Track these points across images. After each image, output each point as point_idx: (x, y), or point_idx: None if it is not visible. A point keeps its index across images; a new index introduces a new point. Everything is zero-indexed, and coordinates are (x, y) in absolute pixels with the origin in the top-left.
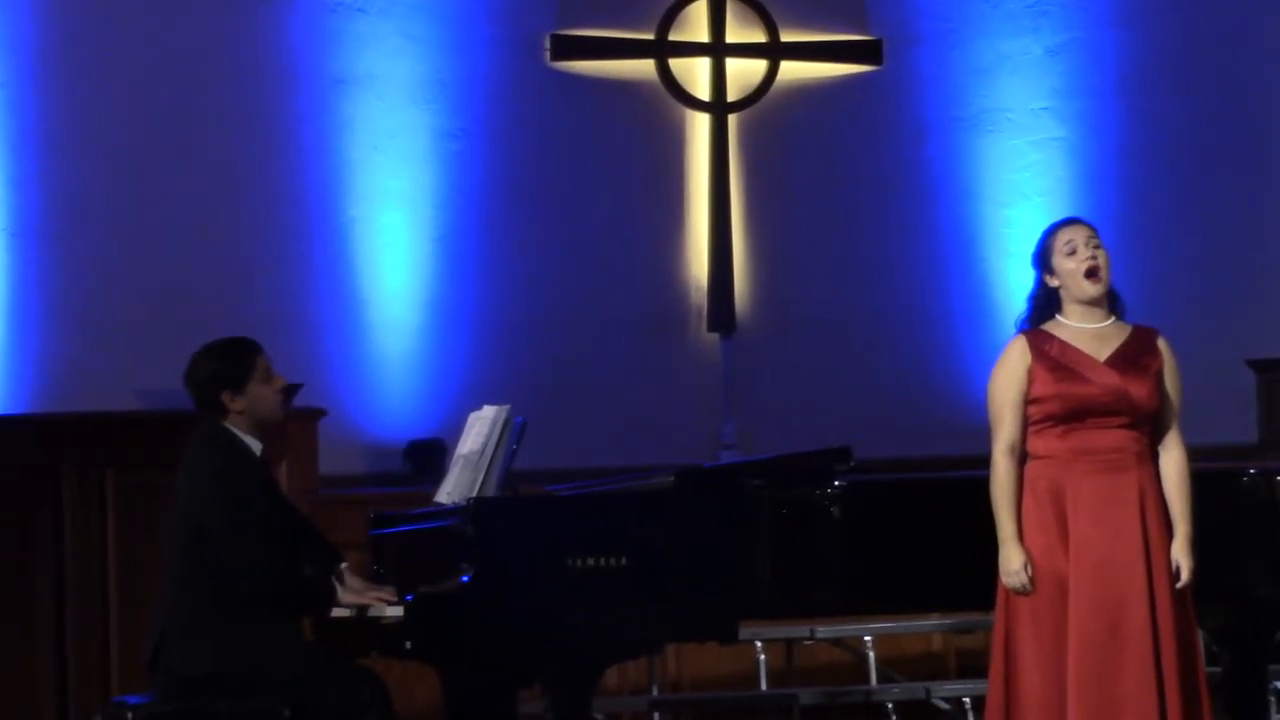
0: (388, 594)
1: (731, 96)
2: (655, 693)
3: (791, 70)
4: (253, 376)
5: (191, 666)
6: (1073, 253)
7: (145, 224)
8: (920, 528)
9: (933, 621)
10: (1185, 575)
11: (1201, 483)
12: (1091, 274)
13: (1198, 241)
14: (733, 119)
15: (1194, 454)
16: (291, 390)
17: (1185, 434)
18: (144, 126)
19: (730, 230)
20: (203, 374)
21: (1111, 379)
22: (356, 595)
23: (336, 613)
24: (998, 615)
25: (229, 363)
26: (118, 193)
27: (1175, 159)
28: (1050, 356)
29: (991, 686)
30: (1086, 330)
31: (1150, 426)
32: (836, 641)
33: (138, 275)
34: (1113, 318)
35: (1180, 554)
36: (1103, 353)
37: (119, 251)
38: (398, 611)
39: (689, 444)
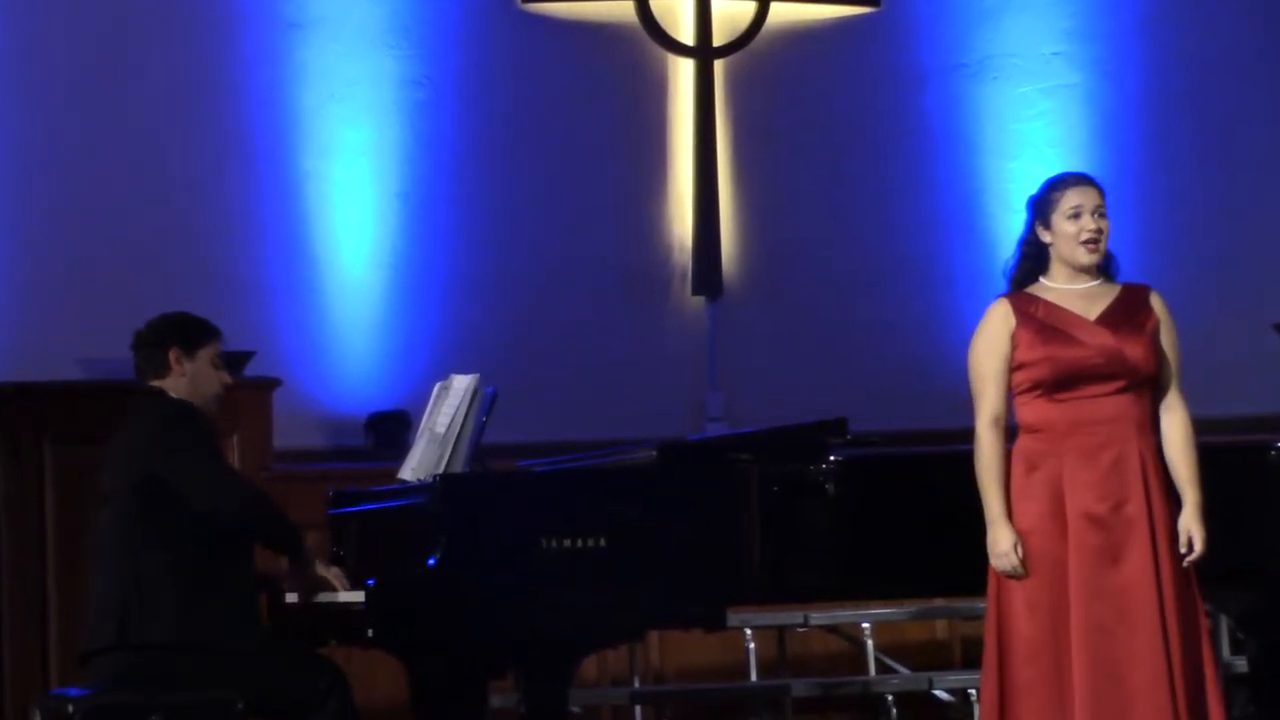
0: (339, 576)
1: (718, 40)
2: (637, 684)
3: (782, 12)
4: (205, 348)
5: (154, 634)
6: (1076, 217)
7: (81, 180)
8: (922, 506)
9: (936, 606)
10: (1198, 546)
11: (1224, 457)
12: (1090, 244)
13: (1222, 197)
14: (719, 65)
15: (1216, 425)
16: (243, 358)
17: (1207, 403)
18: (77, 76)
19: (716, 185)
20: (153, 330)
21: (1104, 338)
22: (320, 566)
23: (289, 598)
24: (989, 602)
25: (187, 324)
26: (51, 147)
27: (1200, 107)
28: (1035, 318)
29: (985, 680)
30: (1074, 290)
31: (1150, 390)
32: (832, 629)
33: (74, 235)
34: (1102, 278)
35: (1191, 523)
36: (1092, 312)
37: (54, 210)
38: (358, 596)
39: (672, 416)
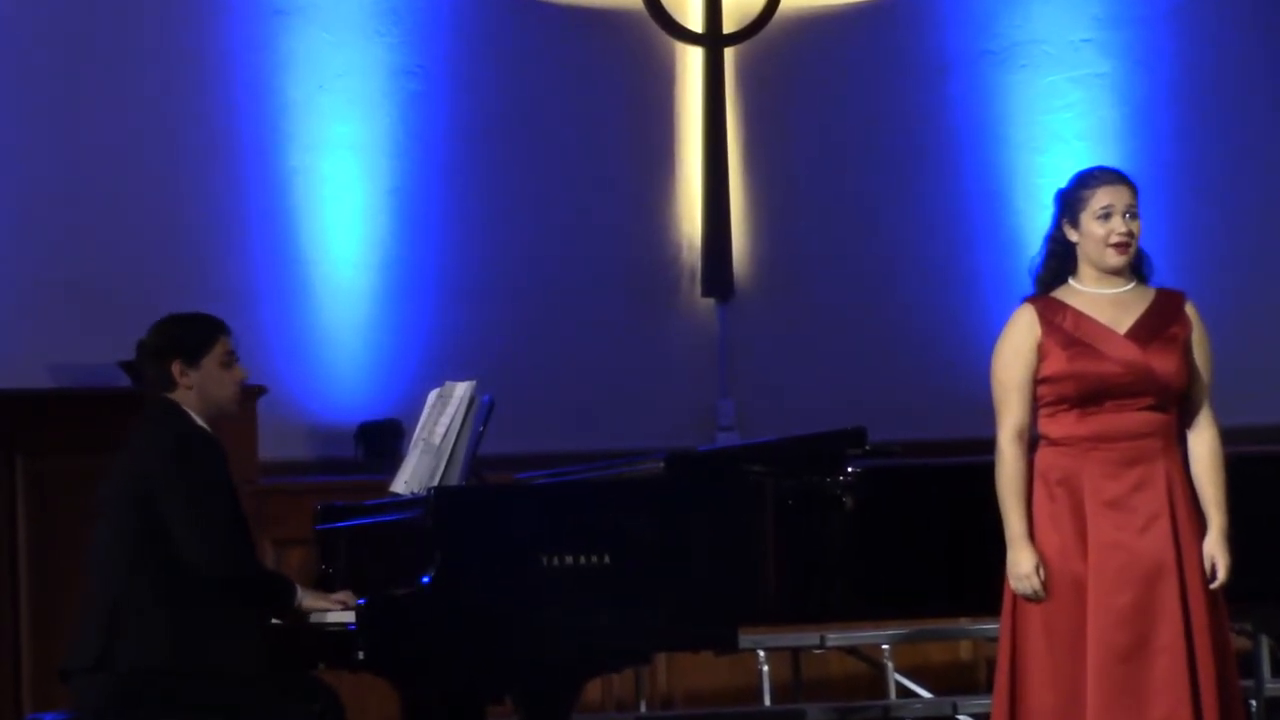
0: (348, 597)
1: (728, 27)
2: (643, 709)
3: None
4: (210, 353)
5: (145, 657)
6: (1106, 219)
7: (52, 177)
8: (945, 520)
9: (960, 626)
10: (1222, 573)
11: (1259, 468)
12: (1120, 247)
13: (1259, 193)
14: (729, 53)
15: (1249, 434)
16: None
17: (1239, 411)
18: (45, 65)
19: (727, 180)
20: (154, 342)
21: (1132, 354)
22: (316, 598)
23: (275, 620)
24: (1003, 624)
25: (187, 332)
26: (26, 142)
27: (1236, 97)
28: (1063, 330)
29: (996, 706)
30: (1104, 297)
31: (1178, 406)
32: (850, 650)
33: (48, 236)
34: (1134, 281)
35: (1215, 549)
36: (1123, 323)
37: (28, 208)
38: (348, 617)
39: (680, 425)
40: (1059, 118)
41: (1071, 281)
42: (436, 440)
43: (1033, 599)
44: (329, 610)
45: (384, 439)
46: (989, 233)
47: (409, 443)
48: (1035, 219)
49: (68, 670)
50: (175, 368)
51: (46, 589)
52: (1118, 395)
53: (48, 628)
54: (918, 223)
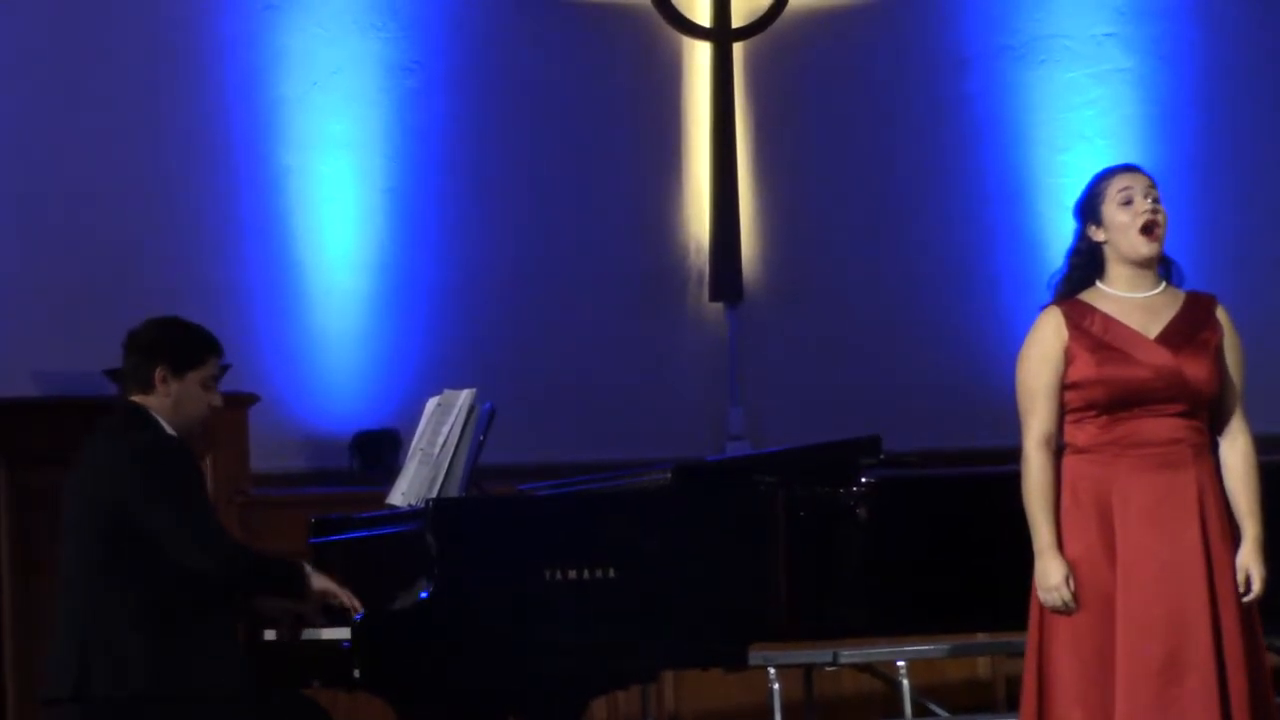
0: (353, 599)
1: (737, 21)
2: None
3: None
4: (197, 369)
5: (123, 683)
6: (1128, 203)
7: (37, 177)
8: (962, 532)
9: (978, 642)
10: (1257, 585)
11: None
12: (1148, 229)
13: None
14: (738, 48)
15: (1272, 443)
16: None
17: (1268, 418)
18: (39, 64)
19: (736, 181)
20: (146, 338)
21: (1163, 359)
22: (327, 583)
23: (267, 635)
24: (1030, 638)
25: (184, 340)
26: (10, 141)
27: (1263, 94)
28: (1091, 334)
29: (1023, 718)
30: (1133, 300)
31: (1209, 413)
32: (864, 667)
33: (29, 237)
34: (1164, 284)
35: (1250, 560)
36: (1152, 327)
37: (11, 210)
38: (343, 633)
39: (689, 434)
40: (1080, 115)
41: (1099, 284)
42: (435, 450)
43: (1062, 611)
44: (339, 595)
45: (380, 449)
46: (1009, 233)
47: (406, 453)
48: (1056, 219)
49: (46, 700)
50: (159, 372)
51: (31, 605)
52: (1148, 401)
53: (31, 647)
54: (934, 223)
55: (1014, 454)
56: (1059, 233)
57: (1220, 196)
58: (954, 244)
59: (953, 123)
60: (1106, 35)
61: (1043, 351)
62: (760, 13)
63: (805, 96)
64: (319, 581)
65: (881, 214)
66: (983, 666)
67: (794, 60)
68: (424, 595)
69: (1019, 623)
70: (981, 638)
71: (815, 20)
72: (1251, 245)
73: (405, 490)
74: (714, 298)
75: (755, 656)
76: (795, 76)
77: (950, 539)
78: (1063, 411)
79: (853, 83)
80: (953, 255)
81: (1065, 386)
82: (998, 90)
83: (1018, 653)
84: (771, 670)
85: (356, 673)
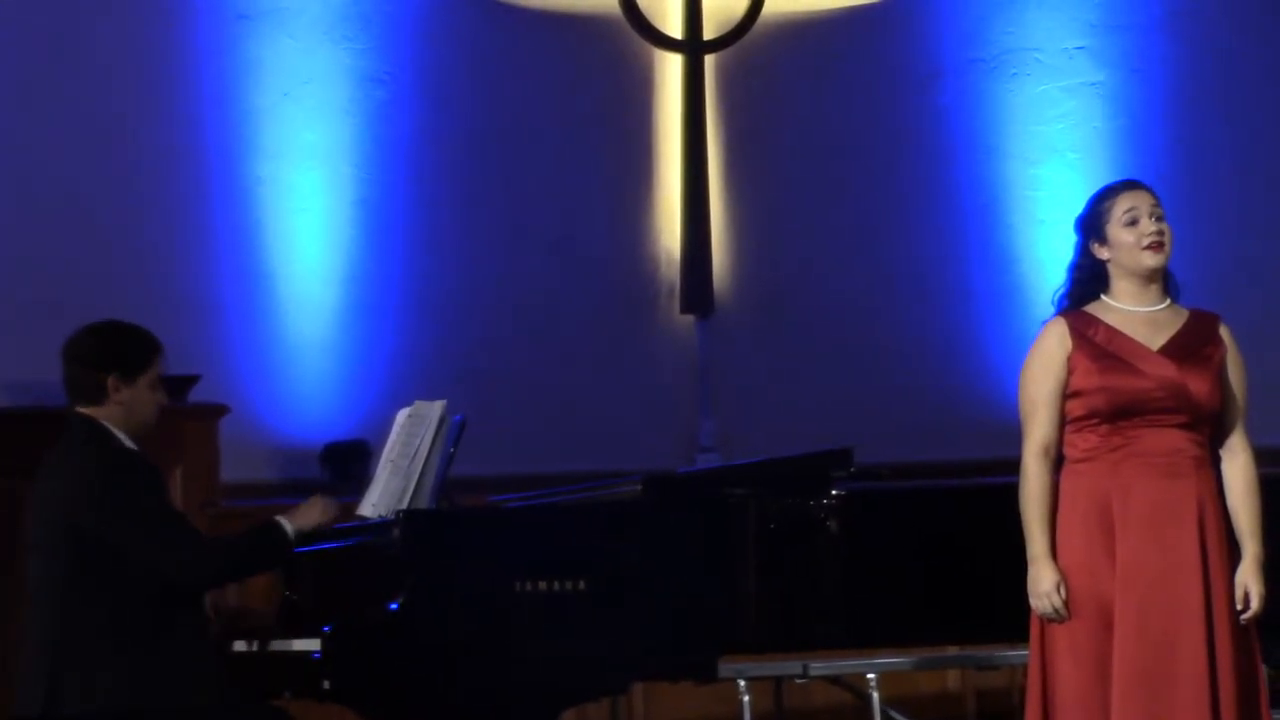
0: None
1: (709, 33)
2: None
3: (780, 2)
4: (146, 373)
5: (92, 700)
6: (1134, 223)
7: (7, 183)
8: (934, 545)
9: (948, 655)
10: (1255, 603)
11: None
12: (1154, 247)
13: (1260, 204)
14: (710, 60)
15: (1266, 456)
16: (187, 383)
17: (1253, 434)
18: (8, 71)
19: (707, 193)
20: (91, 349)
21: (1167, 371)
22: (305, 515)
23: (236, 647)
24: (1032, 647)
25: (128, 346)
26: None
27: (1235, 107)
28: (1094, 343)
29: None
30: (1138, 314)
31: (1211, 428)
32: (834, 679)
33: (0, 247)
34: (1168, 300)
35: (1249, 577)
36: (1156, 340)
37: None
38: (313, 644)
39: (659, 446)
40: (1052, 128)
41: (1104, 298)
42: (405, 461)
43: (1054, 618)
44: (321, 510)
45: (350, 460)
46: (980, 246)
47: (376, 464)
48: (1029, 232)
49: (16, 716)
50: (111, 381)
51: (4, 622)
52: (1150, 412)
53: (6, 663)
54: (906, 234)
55: (988, 466)
56: (1032, 246)
57: (1191, 211)
58: (926, 256)
59: (925, 135)
60: (1078, 49)
61: (1045, 361)
62: (732, 24)
63: (777, 109)
64: (299, 519)
65: (853, 227)
66: (953, 679)
67: (766, 73)
68: (394, 606)
69: (988, 636)
70: (951, 651)
71: (787, 33)
72: (1223, 257)
73: (375, 501)
74: (685, 310)
75: (725, 668)
76: (767, 89)
77: (922, 551)
78: (1064, 421)
79: (825, 95)
80: (924, 268)
81: (1068, 395)
82: (970, 103)
83: (987, 666)
84: (741, 682)
85: (326, 684)
